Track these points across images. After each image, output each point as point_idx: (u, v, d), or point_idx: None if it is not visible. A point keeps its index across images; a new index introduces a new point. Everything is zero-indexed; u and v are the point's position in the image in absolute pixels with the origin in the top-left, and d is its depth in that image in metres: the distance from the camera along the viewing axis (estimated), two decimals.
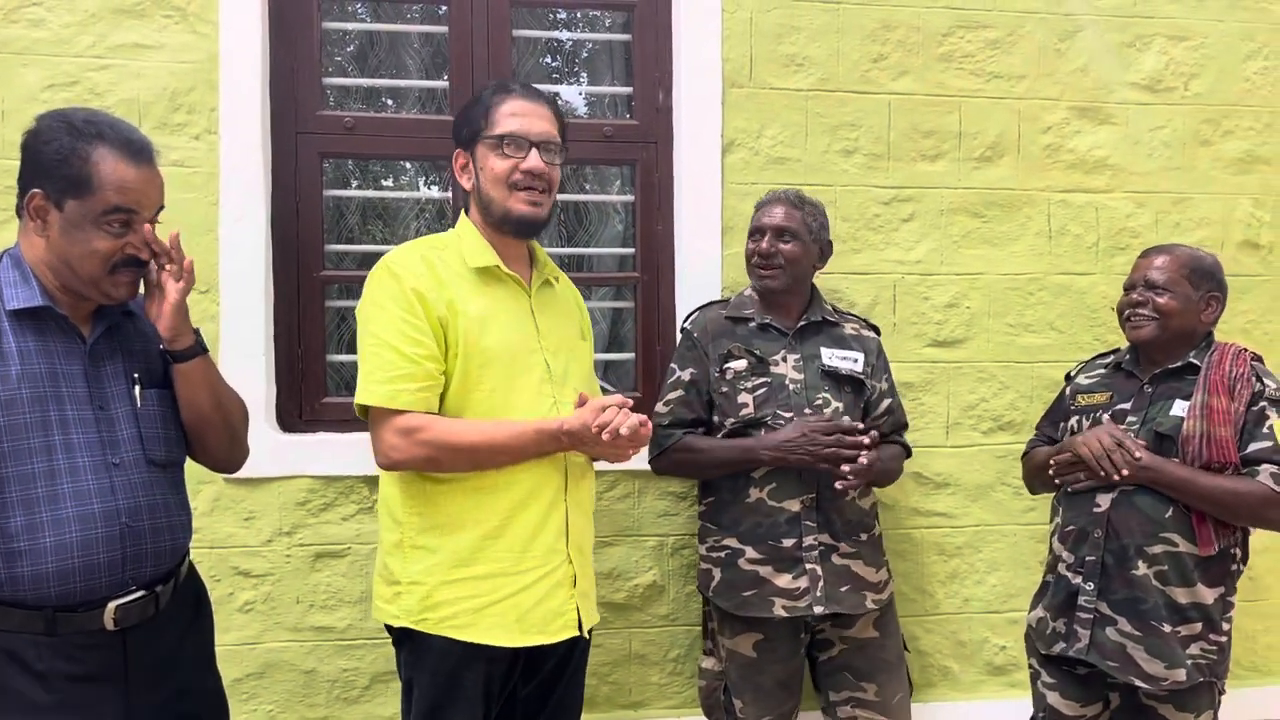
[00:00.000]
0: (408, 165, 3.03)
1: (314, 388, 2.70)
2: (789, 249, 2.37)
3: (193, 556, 1.88)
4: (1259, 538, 2.84)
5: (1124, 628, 2.18)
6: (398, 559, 1.91)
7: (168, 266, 1.71)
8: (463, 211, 2.05)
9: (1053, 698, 2.34)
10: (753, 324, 2.43)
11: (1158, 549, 2.15)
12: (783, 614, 2.29)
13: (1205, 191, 2.97)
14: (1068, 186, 2.92)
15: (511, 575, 1.88)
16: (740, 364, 2.38)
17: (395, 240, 2.89)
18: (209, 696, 1.88)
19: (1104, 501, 2.21)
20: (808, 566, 2.30)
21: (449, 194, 2.83)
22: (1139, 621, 2.16)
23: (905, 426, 2.57)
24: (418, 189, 3.06)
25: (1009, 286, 2.90)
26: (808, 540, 2.30)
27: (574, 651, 2.03)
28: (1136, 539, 2.17)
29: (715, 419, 2.41)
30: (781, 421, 2.32)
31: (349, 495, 2.63)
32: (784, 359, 2.38)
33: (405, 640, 1.92)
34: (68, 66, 2.51)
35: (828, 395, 2.36)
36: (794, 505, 2.30)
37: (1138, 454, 2.14)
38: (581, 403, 1.92)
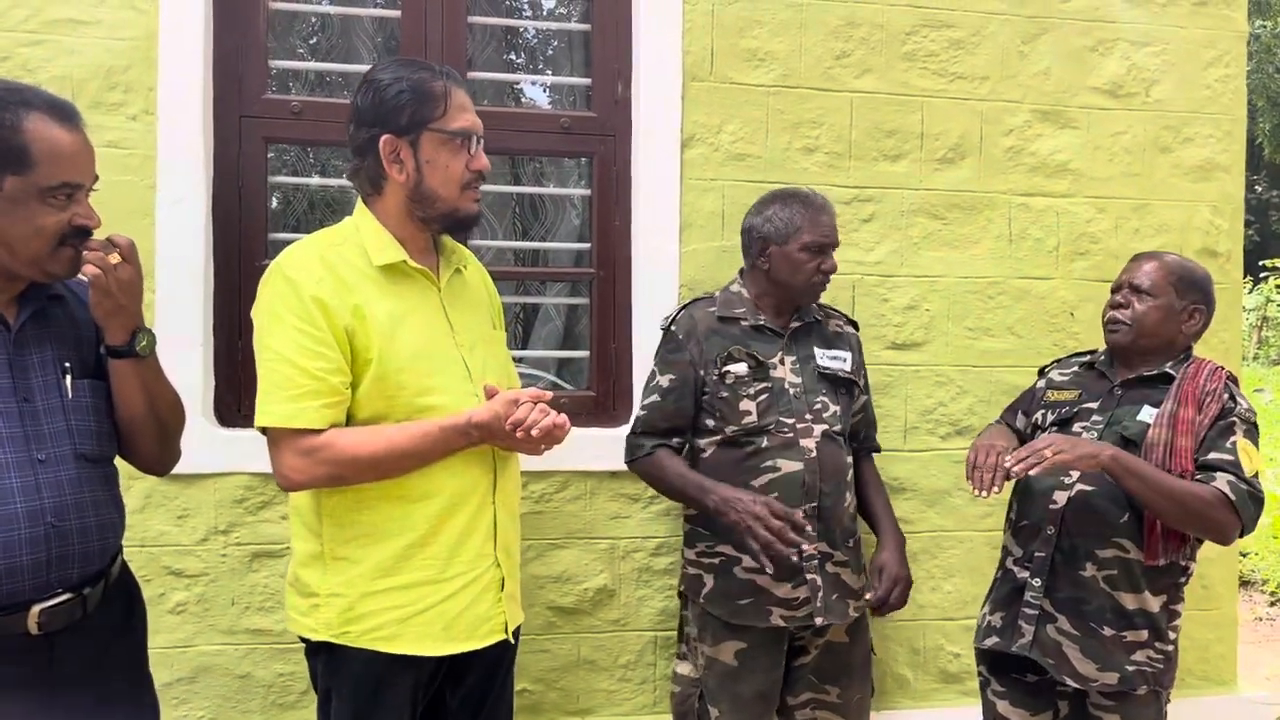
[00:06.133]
0: None
1: (254, 381, 2.59)
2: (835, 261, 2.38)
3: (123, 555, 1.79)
4: (1210, 547, 2.85)
5: (1063, 626, 2.17)
6: (315, 571, 1.80)
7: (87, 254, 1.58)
8: (360, 200, 1.87)
9: (1002, 705, 2.32)
10: (745, 324, 2.34)
11: (1109, 553, 2.14)
12: (780, 623, 2.24)
13: (1165, 198, 2.97)
14: (1029, 190, 2.90)
15: (438, 583, 1.79)
16: (741, 367, 2.28)
17: None
18: (139, 702, 1.78)
19: (1060, 499, 2.20)
20: (808, 576, 2.24)
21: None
22: (1079, 621, 2.15)
23: (874, 422, 2.56)
24: None
25: (969, 290, 2.87)
26: (808, 549, 2.23)
27: (504, 655, 1.95)
28: (1089, 540, 2.16)
29: (710, 423, 2.31)
30: (785, 428, 2.25)
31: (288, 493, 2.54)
32: (781, 361, 2.31)
33: (322, 651, 1.82)
34: (0, 41, 2.40)
35: (825, 399, 2.31)
36: (797, 514, 2.21)
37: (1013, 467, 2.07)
38: (490, 395, 1.82)
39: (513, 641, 1.94)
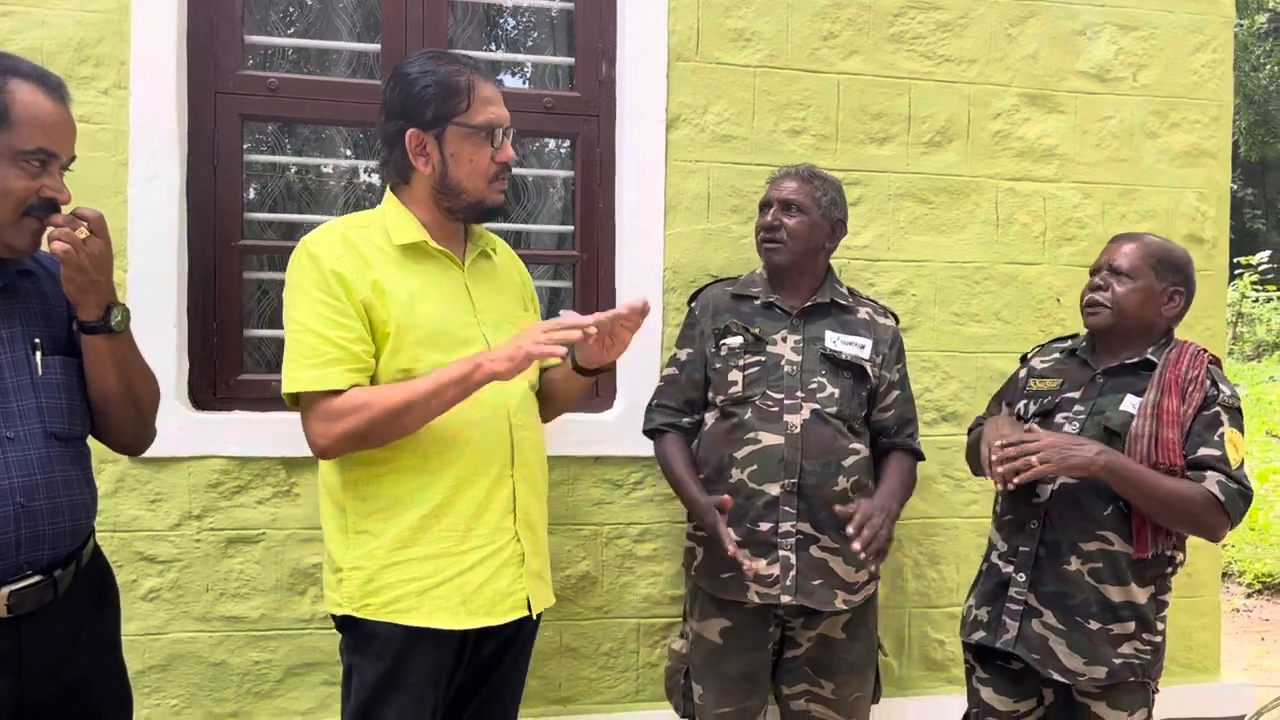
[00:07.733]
0: (337, 134, 2.88)
1: (230, 363, 2.55)
2: (794, 223, 2.30)
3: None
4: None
5: (1049, 620, 2.15)
6: (340, 545, 1.84)
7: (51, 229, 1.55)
8: (389, 189, 1.91)
9: (986, 693, 2.30)
10: (757, 302, 2.37)
11: (1093, 546, 2.12)
12: (756, 600, 2.23)
13: (1151, 184, 2.95)
14: (1016, 174, 2.88)
15: (455, 555, 1.81)
16: (735, 340, 2.34)
17: (321, 210, 2.77)
18: (111, 688, 1.76)
19: (1044, 493, 2.17)
20: (781, 554, 2.23)
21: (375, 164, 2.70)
22: (1064, 616, 2.13)
23: (911, 422, 2.44)
24: (346, 157, 2.91)
25: (955, 275, 2.85)
26: (784, 526, 2.23)
27: (520, 634, 1.95)
28: (1072, 534, 2.13)
29: (711, 395, 2.37)
30: (771, 402, 2.26)
31: (264, 478, 2.49)
32: (784, 339, 2.32)
33: (347, 626, 1.84)
34: None
35: (823, 379, 2.29)
36: (773, 489, 2.23)
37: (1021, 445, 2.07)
38: None
39: (534, 619, 1.94)
